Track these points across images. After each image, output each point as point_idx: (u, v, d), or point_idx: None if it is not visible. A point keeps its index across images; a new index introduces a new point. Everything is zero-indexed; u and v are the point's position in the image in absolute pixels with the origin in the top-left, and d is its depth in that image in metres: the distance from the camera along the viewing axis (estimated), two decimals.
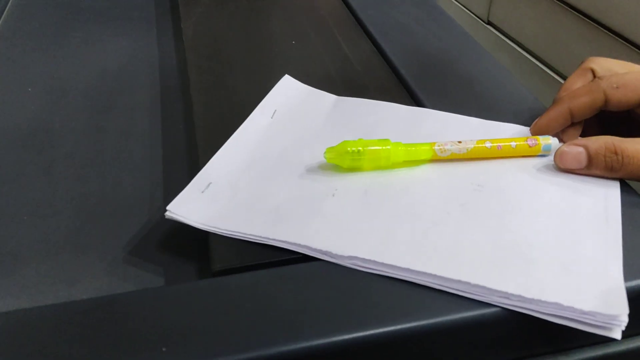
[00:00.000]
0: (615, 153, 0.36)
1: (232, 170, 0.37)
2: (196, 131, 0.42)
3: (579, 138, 0.38)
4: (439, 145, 0.38)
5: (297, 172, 0.37)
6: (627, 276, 0.30)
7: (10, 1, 0.60)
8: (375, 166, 0.38)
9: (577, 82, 0.40)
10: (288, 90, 0.46)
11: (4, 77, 0.50)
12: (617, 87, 0.37)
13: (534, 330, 0.29)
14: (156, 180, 0.40)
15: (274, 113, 0.43)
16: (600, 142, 0.36)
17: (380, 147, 0.37)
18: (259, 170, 0.38)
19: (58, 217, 0.36)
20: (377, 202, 0.35)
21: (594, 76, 0.40)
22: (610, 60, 0.40)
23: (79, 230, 0.35)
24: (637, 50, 0.85)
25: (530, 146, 0.38)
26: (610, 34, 0.90)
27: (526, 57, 1.09)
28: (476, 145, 0.38)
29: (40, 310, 0.28)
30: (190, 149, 0.43)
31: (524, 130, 0.41)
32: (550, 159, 0.38)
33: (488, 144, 0.38)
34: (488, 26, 1.21)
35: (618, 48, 0.88)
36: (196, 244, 0.34)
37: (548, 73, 1.03)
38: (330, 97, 0.46)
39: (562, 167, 0.37)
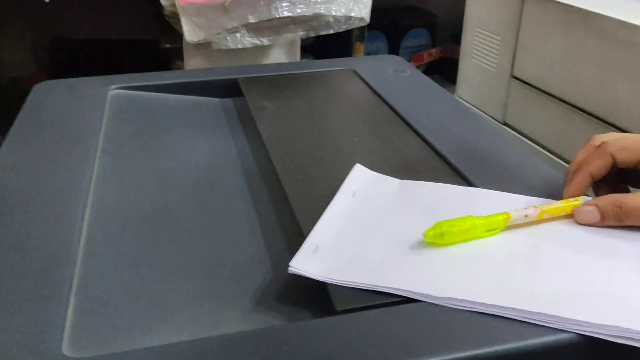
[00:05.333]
0: (620, 207, 0.45)
1: (333, 235, 0.46)
2: (294, 208, 0.51)
3: (591, 199, 0.48)
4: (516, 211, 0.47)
5: (392, 238, 0.46)
6: None
7: (105, 113, 0.70)
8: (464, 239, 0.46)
9: (583, 155, 0.50)
10: (361, 176, 0.55)
11: (121, 168, 0.59)
12: (620, 150, 0.47)
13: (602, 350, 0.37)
14: (258, 249, 0.48)
15: (354, 193, 0.52)
16: (607, 201, 0.46)
17: (470, 223, 0.45)
18: (356, 235, 0.46)
19: (194, 275, 0.44)
20: (464, 257, 0.43)
21: None
22: (611, 134, 0.50)
23: (211, 284, 0.43)
24: None
25: None
26: (619, 131, 1.04)
27: (543, 153, 1.22)
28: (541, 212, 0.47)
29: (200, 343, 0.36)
30: (283, 224, 0.51)
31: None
32: None
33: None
34: (504, 127, 1.36)
35: None
36: (309, 295, 0.42)
37: (563, 165, 1.17)
38: (396, 181, 0.55)
39: (582, 222, 0.46)
